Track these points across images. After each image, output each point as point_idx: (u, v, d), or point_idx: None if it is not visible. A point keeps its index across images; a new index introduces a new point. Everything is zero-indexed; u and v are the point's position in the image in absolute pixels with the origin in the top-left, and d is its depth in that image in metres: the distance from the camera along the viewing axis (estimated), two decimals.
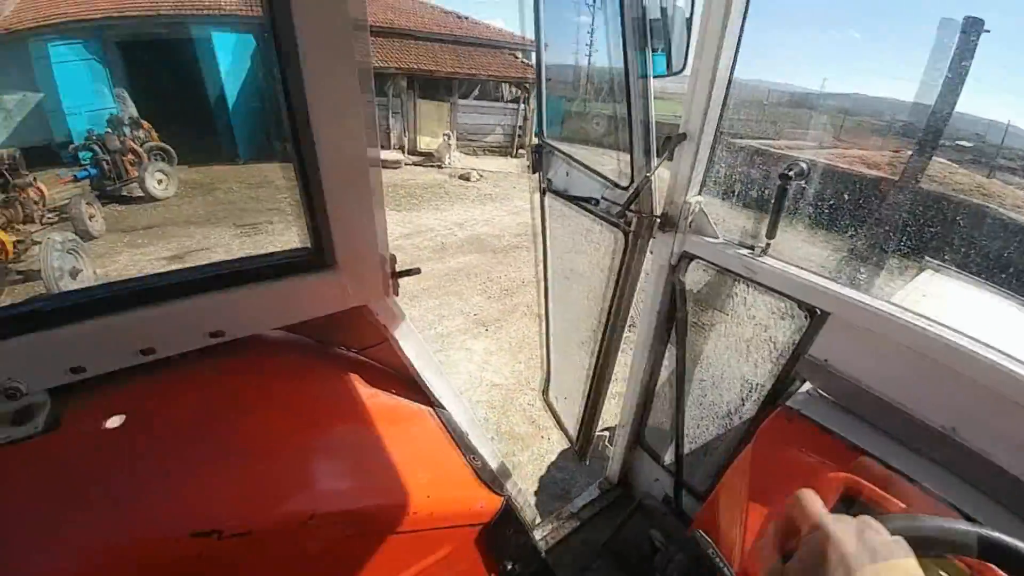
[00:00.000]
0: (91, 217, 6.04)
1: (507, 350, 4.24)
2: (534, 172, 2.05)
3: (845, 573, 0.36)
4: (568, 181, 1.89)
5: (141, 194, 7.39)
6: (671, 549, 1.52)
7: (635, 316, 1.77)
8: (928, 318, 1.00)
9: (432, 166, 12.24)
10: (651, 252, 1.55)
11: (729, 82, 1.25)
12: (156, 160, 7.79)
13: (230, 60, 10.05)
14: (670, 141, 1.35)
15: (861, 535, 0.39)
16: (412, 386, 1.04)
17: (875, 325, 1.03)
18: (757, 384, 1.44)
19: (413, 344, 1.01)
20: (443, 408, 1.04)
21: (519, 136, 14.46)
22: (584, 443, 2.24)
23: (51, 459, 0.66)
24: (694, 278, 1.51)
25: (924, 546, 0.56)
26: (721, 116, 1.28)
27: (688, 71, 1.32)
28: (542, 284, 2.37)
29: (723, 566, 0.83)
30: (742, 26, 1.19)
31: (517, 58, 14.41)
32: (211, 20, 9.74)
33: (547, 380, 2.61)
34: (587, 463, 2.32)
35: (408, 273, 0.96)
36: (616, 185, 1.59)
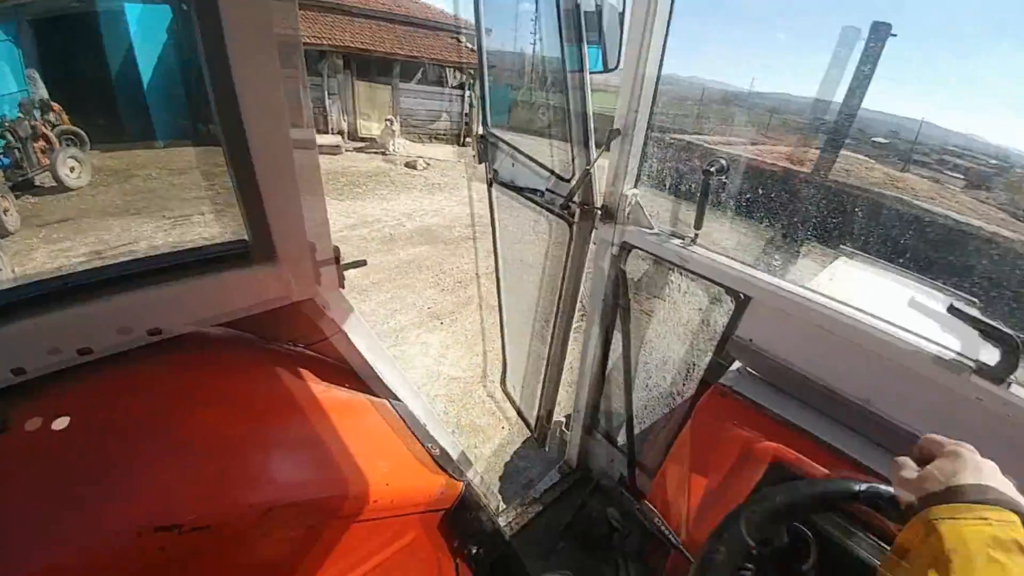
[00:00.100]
0: (5, 211, 5.33)
1: (464, 343, 4.24)
2: (480, 162, 2.06)
3: (974, 467, 0.50)
4: (514, 172, 1.91)
5: (54, 183, 6.59)
6: (627, 526, 1.63)
7: (585, 304, 1.84)
8: (838, 300, 1.12)
9: (375, 153, 11.79)
10: (594, 243, 1.62)
11: (657, 79, 1.30)
12: (68, 146, 6.94)
13: (143, 33, 9.05)
14: (608, 135, 1.40)
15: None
16: (366, 379, 1.03)
17: (790, 308, 1.15)
18: (695, 365, 1.56)
19: (364, 337, 1.00)
20: (399, 400, 1.04)
21: (466, 123, 14.25)
22: (543, 430, 2.32)
23: (3, 461, 0.64)
24: (635, 267, 1.59)
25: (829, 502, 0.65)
26: (651, 112, 1.35)
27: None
28: (493, 275, 2.40)
29: (668, 533, 0.91)
30: (668, 24, 1.24)
31: (460, 42, 14.10)
32: None
33: (504, 369, 2.65)
34: (547, 449, 2.40)
35: (354, 265, 0.95)
36: (559, 177, 1.63)
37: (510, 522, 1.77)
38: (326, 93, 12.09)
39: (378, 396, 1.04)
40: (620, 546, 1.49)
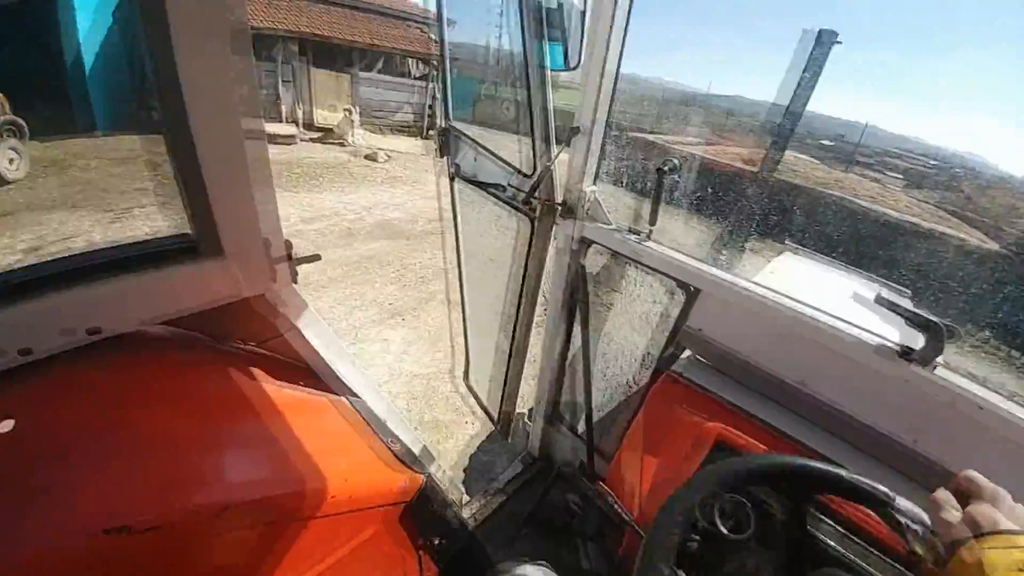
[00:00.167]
0: None
1: (426, 339, 4.19)
2: (442, 156, 2.04)
3: (1010, 510, 0.53)
4: (476, 166, 1.91)
5: None
6: (586, 509, 1.68)
7: (547, 298, 1.87)
8: (779, 292, 1.21)
9: (333, 143, 11.38)
10: (555, 238, 1.65)
11: (616, 78, 1.34)
12: (8, 136, 6.32)
13: (91, 18, 8.37)
14: (568, 132, 1.43)
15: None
16: (322, 377, 1.01)
17: (735, 299, 1.23)
18: (650, 354, 1.62)
19: (319, 334, 0.98)
20: (357, 397, 1.03)
21: (430, 116, 14.00)
22: (506, 423, 2.34)
23: None
24: (594, 261, 1.64)
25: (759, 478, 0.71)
26: (611, 110, 1.38)
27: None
28: (456, 270, 2.39)
29: (622, 512, 0.95)
30: (627, 24, 1.27)
31: (424, 32, 13.81)
32: None
33: (467, 365, 2.66)
34: (510, 441, 2.43)
35: (307, 260, 0.93)
36: (521, 173, 1.65)
37: (474, 513, 1.79)
38: (280, 80, 11.55)
39: (336, 393, 1.02)
40: (580, 529, 1.54)
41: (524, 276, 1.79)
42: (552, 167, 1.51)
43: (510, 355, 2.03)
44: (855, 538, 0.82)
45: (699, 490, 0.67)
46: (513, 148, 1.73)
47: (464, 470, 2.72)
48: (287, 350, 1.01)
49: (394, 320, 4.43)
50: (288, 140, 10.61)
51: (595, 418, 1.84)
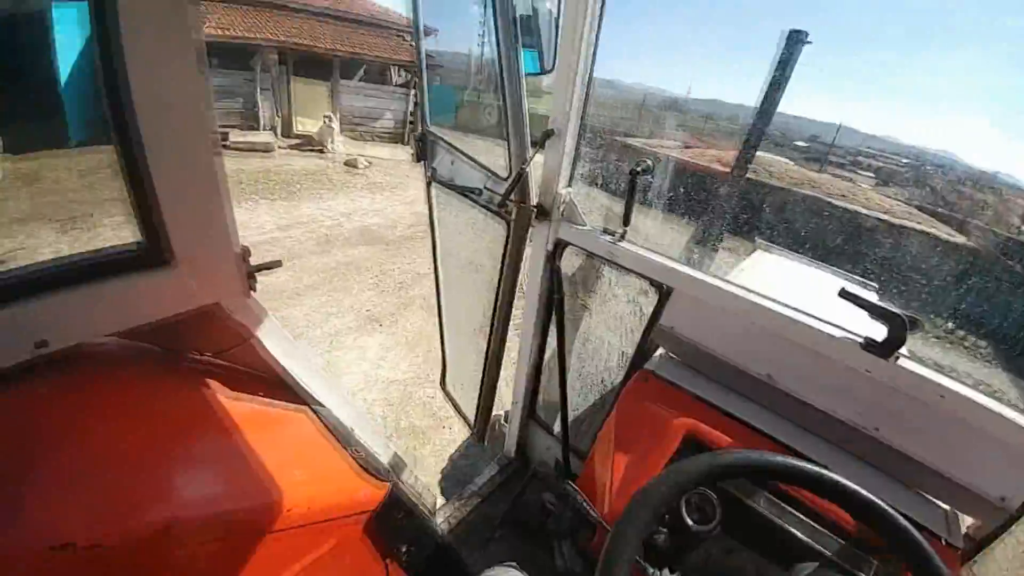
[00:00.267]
0: None
1: (404, 345, 4.14)
2: (418, 161, 2.03)
3: None
4: (453, 171, 1.90)
5: None
6: (561, 508, 1.67)
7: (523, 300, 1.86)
8: (747, 289, 1.22)
9: (312, 151, 11.25)
10: (531, 240, 1.64)
11: (589, 82, 1.34)
12: None
13: (68, 32, 8.27)
14: (542, 135, 1.43)
15: None
16: (283, 387, 0.98)
17: (706, 296, 1.24)
18: (625, 353, 1.63)
19: (280, 343, 0.95)
20: (321, 406, 1.00)
21: (411, 122, 13.97)
22: (483, 426, 2.32)
23: None
24: (570, 263, 1.64)
25: (730, 474, 0.71)
26: (584, 113, 1.39)
27: None
28: (434, 275, 2.37)
29: (589, 508, 0.95)
30: (598, 29, 1.28)
31: (405, 40, 13.80)
32: None
33: (444, 370, 2.63)
34: (486, 444, 2.40)
35: (266, 267, 0.90)
36: (496, 176, 1.64)
37: (447, 518, 1.76)
38: (258, 89, 11.41)
39: (299, 403, 0.99)
40: (555, 529, 1.53)
41: (501, 278, 1.78)
42: (527, 170, 1.51)
43: (487, 358, 2.02)
44: (820, 526, 0.83)
45: (663, 490, 0.66)
46: (494, 152, 1.73)
47: (441, 475, 2.68)
48: (247, 360, 0.98)
49: (371, 326, 4.37)
50: (266, 149, 10.46)
51: (571, 417, 1.84)
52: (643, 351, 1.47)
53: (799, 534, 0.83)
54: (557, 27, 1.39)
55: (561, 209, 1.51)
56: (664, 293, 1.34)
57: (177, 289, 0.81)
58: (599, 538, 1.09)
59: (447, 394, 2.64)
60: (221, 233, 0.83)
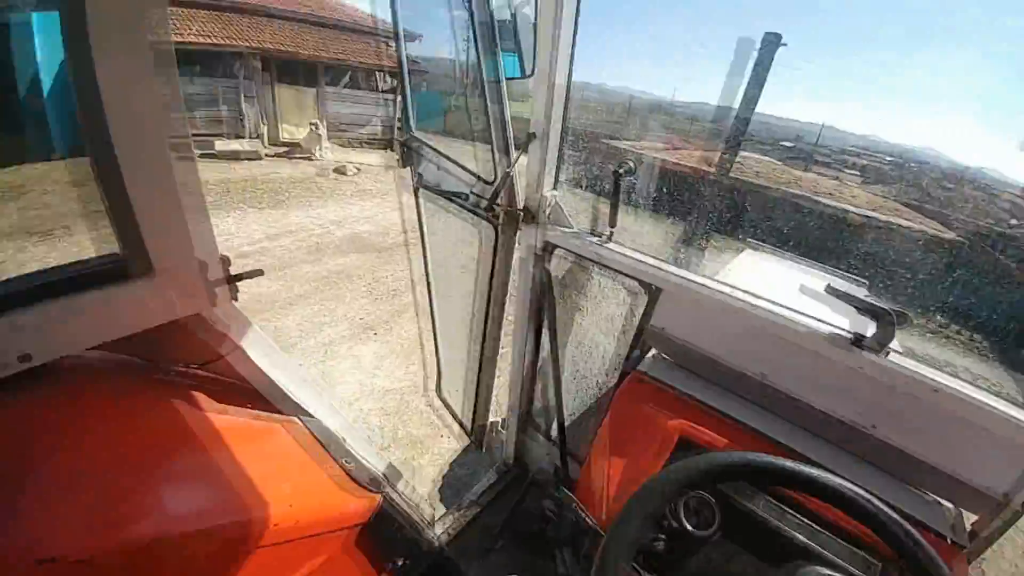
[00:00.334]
0: None
1: (399, 353, 4.10)
2: (404, 167, 2.02)
3: None
4: (440, 176, 1.90)
5: None
6: (561, 515, 1.65)
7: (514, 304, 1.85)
8: (737, 288, 1.22)
9: (300, 158, 11.19)
10: (519, 244, 1.64)
11: (568, 85, 1.34)
12: None
13: (50, 43, 8.17)
14: (525, 139, 1.43)
15: None
16: (270, 398, 0.96)
17: (695, 296, 1.23)
18: (618, 355, 1.62)
19: (266, 353, 0.93)
20: (310, 416, 0.98)
21: (399, 128, 13.95)
22: (480, 433, 2.30)
23: None
24: (559, 266, 1.63)
25: (727, 475, 0.70)
26: (565, 116, 1.39)
27: None
28: (425, 281, 2.36)
29: (587, 516, 0.94)
30: (574, 33, 1.27)
31: (390, 45, 13.78)
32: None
33: (439, 376, 2.61)
34: (484, 451, 2.38)
35: (247, 276, 0.88)
36: (483, 180, 1.64)
37: (446, 529, 1.73)
38: (242, 96, 11.32)
39: (287, 414, 0.97)
40: (555, 536, 1.52)
41: (491, 283, 1.77)
42: (512, 173, 1.50)
43: (481, 364, 2.00)
44: (821, 528, 0.82)
45: (655, 493, 0.65)
46: (481, 157, 1.73)
47: (441, 484, 2.65)
48: (231, 371, 0.96)
49: (366, 335, 4.33)
50: (252, 156, 10.37)
51: (567, 422, 1.82)
52: (635, 353, 1.47)
53: (801, 537, 0.82)
54: (536, 31, 1.39)
55: (547, 212, 1.50)
56: (653, 294, 1.34)
57: (157, 300, 0.81)
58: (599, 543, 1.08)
59: (443, 401, 2.62)
60: (200, 242, 0.82)
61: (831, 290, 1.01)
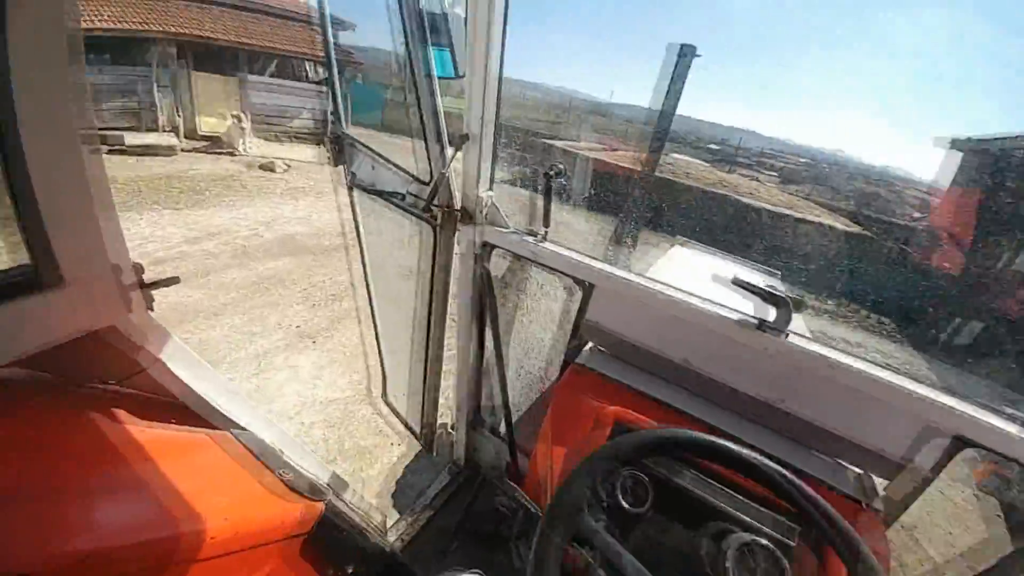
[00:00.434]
0: None
1: (341, 361, 3.93)
2: (336, 166, 1.95)
3: None
4: (374, 175, 1.85)
5: None
6: (512, 510, 1.69)
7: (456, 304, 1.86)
8: (661, 282, 1.32)
9: (221, 154, 10.35)
10: (458, 244, 1.65)
11: (499, 85, 1.36)
12: None
13: None
14: (459, 139, 1.43)
15: None
16: (198, 411, 0.91)
17: (624, 291, 1.32)
18: (558, 349, 1.69)
19: (188, 366, 0.89)
20: (242, 429, 0.94)
21: (333, 121, 13.28)
22: (429, 435, 2.28)
23: None
24: (498, 264, 1.66)
25: (656, 450, 0.77)
26: (498, 117, 1.41)
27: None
28: (364, 284, 2.29)
29: (526, 502, 0.97)
30: (504, 31, 1.28)
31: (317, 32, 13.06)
32: None
33: (384, 381, 2.55)
34: (435, 454, 2.36)
35: (163, 284, 0.84)
36: (418, 180, 1.63)
37: (400, 534, 1.71)
38: (155, 86, 10.29)
39: (218, 427, 0.92)
40: (508, 532, 1.55)
41: (432, 284, 1.77)
42: (447, 173, 1.50)
43: (426, 366, 1.99)
44: (745, 498, 0.90)
45: (586, 472, 0.70)
46: (420, 155, 1.69)
47: (394, 493, 2.60)
48: (153, 386, 0.90)
49: (303, 344, 4.11)
50: (167, 152, 9.45)
51: (514, 418, 1.86)
52: (574, 346, 1.54)
53: (727, 507, 0.89)
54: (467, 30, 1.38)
55: (484, 212, 1.53)
56: (587, 290, 1.41)
57: (69, 311, 0.76)
58: None
59: (389, 406, 2.56)
60: (111, 250, 0.78)
61: (737, 281, 1.12)
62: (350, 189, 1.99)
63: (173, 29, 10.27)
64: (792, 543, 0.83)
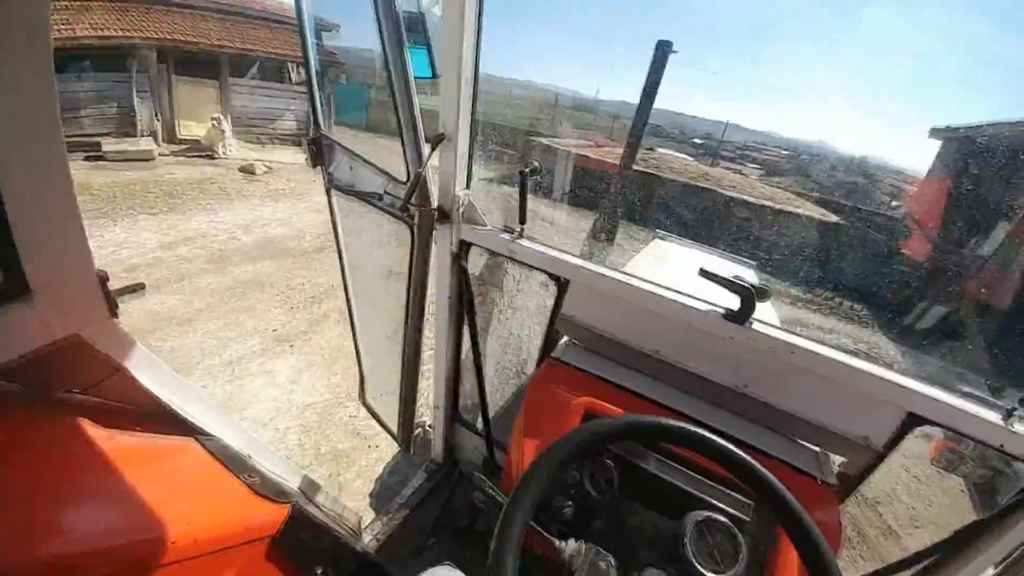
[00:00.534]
0: None
1: (319, 364, 3.88)
2: (314, 167, 1.94)
3: None
4: (353, 175, 1.84)
5: None
6: (490, 505, 1.70)
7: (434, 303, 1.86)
8: (634, 276, 1.34)
9: (201, 157, 10.17)
10: (436, 243, 1.65)
11: (475, 85, 1.36)
12: None
13: None
14: (434, 138, 1.43)
15: None
16: (165, 419, 0.90)
17: (598, 285, 1.34)
18: (535, 343, 1.70)
19: (154, 373, 0.88)
20: (209, 435, 0.93)
21: (315, 124, 13.12)
22: (407, 435, 2.27)
23: None
24: (476, 262, 1.67)
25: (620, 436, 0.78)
26: (473, 116, 1.42)
27: None
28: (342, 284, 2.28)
29: (495, 494, 0.99)
30: (478, 30, 1.29)
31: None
32: None
33: (362, 382, 2.54)
34: (412, 453, 2.36)
35: (128, 291, 0.83)
36: (396, 180, 1.62)
37: (375, 535, 1.71)
38: (134, 91, 10.10)
39: (184, 435, 0.92)
40: (483, 525, 1.56)
41: (410, 283, 1.77)
42: (424, 173, 1.50)
43: (404, 364, 1.99)
44: (703, 478, 0.93)
45: (550, 458, 0.71)
46: (398, 155, 1.69)
47: (372, 491, 2.59)
48: (120, 394, 0.89)
49: (280, 348, 4.05)
50: (146, 157, 9.25)
51: (492, 413, 1.88)
52: (550, 341, 1.55)
53: (687, 488, 0.92)
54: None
55: (461, 211, 1.53)
56: (563, 285, 1.43)
57: (34, 322, 0.75)
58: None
59: (368, 407, 2.55)
60: (77, 257, 0.77)
61: (704, 273, 1.14)
62: (328, 190, 1.97)
63: (154, 35, 10.08)
64: (747, 518, 0.87)
